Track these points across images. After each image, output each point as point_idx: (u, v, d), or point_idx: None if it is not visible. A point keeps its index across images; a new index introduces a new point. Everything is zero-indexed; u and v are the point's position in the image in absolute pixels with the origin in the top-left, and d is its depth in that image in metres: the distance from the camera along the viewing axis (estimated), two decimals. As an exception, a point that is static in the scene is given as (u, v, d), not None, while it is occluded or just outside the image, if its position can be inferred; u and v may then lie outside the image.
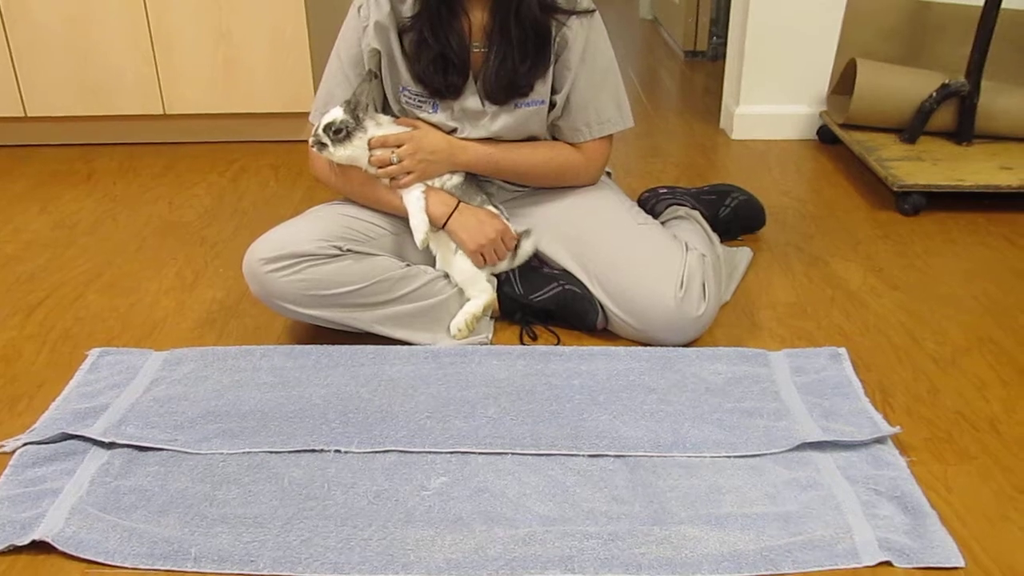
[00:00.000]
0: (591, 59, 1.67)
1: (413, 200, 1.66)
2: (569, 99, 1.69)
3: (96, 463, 1.35)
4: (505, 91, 1.65)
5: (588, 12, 1.66)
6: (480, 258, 1.69)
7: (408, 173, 1.65)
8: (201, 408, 1.48)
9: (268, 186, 2.58)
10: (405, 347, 1.65)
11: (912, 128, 2.55)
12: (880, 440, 1.38)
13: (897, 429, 1.39)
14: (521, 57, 1.62)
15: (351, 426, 1.42)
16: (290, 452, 1.37)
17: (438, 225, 1.67)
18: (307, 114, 1.78)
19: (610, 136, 1.76)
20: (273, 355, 1.63)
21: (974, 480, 1.32)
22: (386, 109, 1.75)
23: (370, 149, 1.64)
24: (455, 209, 1.67)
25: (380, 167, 1.64)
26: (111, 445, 1.39)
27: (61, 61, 2.81)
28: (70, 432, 1.41)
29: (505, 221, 1.72)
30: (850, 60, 2.73)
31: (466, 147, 1.69)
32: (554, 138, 1.78)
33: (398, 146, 1.64)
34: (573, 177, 1.78)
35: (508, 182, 1.78)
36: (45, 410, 1.49)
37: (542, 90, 1.67)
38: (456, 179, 1.71)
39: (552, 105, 1.70)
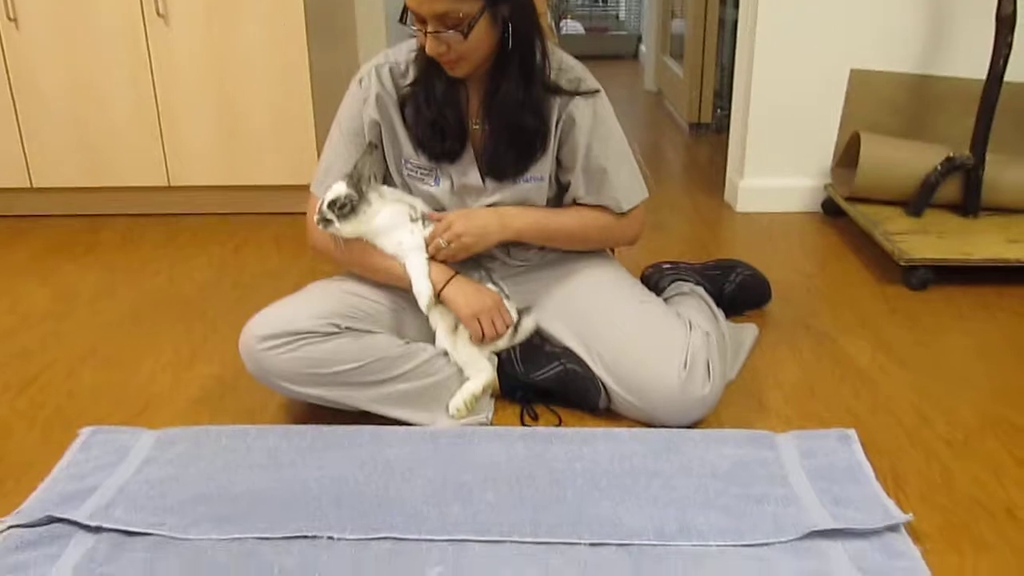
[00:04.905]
0: (605, 133, 1.68)
1: (416, 266, 1.63)
2: (592, 175, 1.69)
3: (81, 549, 1.31)
4: (499, 171, 1.66)
5: (593, 92, 1.66)
6: (476, 326, 1.65)
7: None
8: (192, 491, 1.44)
9: (270, 259, 2.57)
10: (403, 428, 1.61)
11: (917, 202, 2.54)
12: (893, 528, 1.33)
13: (909, 516, 1.34)
14: (506, 146, 1.63)
15: (345, 511, 1.38)
16: (281, 539, 1.32)
17: (435, 292, 1.65)
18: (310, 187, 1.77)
19: (641, 204, 1.77)
20: (268, 435, 1.59)
21: (991, 570, 1.26)
22: (388, 181, 1.74)
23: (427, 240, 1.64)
24: (452, 278, 1.65)
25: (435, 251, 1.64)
26: (98, 529, 1.35)
27: (67, 133, 2.83)
28: (56, 515, 1.37)
29: (503, 298, 1.70)
30: (854, 133, 2.73)
31: (515, 216, 1.69)
32: None
33: (447, 228, 1.63)
34: (619, 237, 1.81)
35: (512, 255, 1.77)
36: (33, 491, 1.45)
37: (541, 168, 1.67)
38: None
39: (566, 183, 1.71)
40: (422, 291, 1.63)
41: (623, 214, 1.74)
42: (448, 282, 1.65)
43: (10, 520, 1.37)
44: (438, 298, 1.65)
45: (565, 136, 1.66)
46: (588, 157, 1.67)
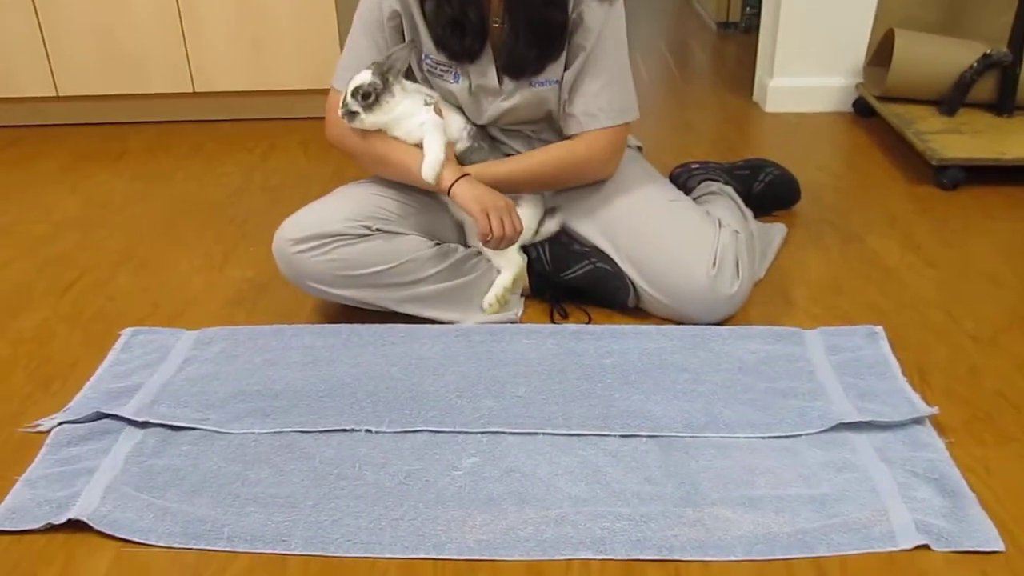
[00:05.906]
0: (609, 43, 1.63)
1: (433, 141, 1.60)
2: (583, 81, 1.64)
3: (130, 442, 1.36)
4: (517, 70, 1.63)
5: None
6: (485, 221, 1.59)
7: None
8: (232, 387, 1.48)
9: (298, 163, 2.58)
10: (435, 326, 1.64)
11: (951, 100, 2.49)
12: (918, 421, 1.35)
13: (935, 410, 1.37)
14: (527, 44, 1.59)
15: (381, 406, 1.42)
16: (321, 432, 1.37)
17: (444, 187, 1.61)
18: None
19: (626, 125, 1.70)
20: (303, 334, 1.63)
21: (1014, 462, 1.29)
22: (409, 76, 1.72)
23: None
24: (464, 175, 1.62)
25: None
26: (144, 424, 1.40)
27: (90, 40, 2.82)
28: (104, 411, 1.42)
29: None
30: (887, 30, 2.67)
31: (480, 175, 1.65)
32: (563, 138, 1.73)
33: None
34: (592, 171, 1.72)
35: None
36: (79, 389, 1.51)
37: (556, 70, 1.64)
38: (466, 143, 1.69)
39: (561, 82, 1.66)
40: (433, 161, 1.58)
41: (601, 132, 1.67)
42: (460, 179, 1.61)
43: (60, 416, 1.43)
44: (448, 194, 1.62)
45: (572, 36, 1.63)
46: (586, 62, 1.63)
